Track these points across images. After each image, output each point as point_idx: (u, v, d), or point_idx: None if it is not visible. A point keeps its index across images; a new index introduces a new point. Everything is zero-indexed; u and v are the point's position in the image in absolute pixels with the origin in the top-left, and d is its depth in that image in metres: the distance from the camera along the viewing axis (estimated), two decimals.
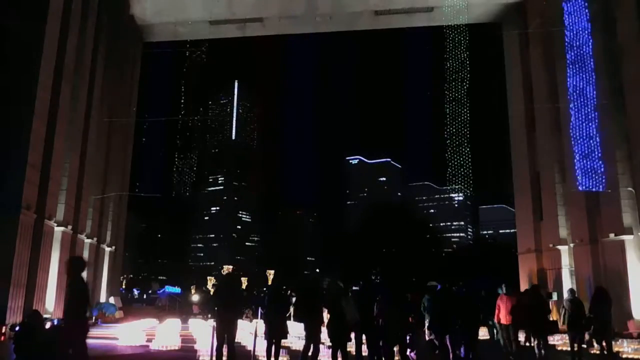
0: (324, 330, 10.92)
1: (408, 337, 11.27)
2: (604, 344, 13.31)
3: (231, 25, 34.94)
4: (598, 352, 13.93)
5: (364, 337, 11.25)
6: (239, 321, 12.07)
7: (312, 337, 10.26)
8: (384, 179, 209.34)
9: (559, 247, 28.01)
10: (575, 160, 25.07)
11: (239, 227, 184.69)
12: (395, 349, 11.15)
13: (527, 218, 31.88)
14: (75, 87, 25.43)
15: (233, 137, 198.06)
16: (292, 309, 12.02)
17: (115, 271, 36.06)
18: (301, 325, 11.04)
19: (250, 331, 16.44)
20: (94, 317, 28.14)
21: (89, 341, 8.25)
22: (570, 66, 26.54)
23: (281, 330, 11.41)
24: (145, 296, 64.64)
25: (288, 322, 11.83)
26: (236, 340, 11.48)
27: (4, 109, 19.34)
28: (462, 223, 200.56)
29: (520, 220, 33.37)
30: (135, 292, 65.69)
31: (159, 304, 49.71)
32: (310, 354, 10.27)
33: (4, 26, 20.10)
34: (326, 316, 11.19)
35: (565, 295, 14.53)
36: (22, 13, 20.32)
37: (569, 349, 13.71)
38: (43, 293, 21.75)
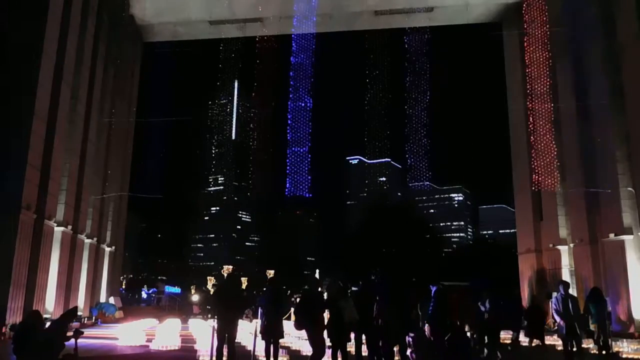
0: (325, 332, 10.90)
1: (410, 337, 11.25)
2: (601, 343, 13.36)
3: (231, 25, 34.94)
4: (597, 352, 13.96)
5: (364, 337, 11.24)
6: (239, 321, 12.06)
7: (317, 345, 10.22)
8: (384, 179, 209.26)
9: (559, 247, 28.02)
10: (575, 160, 25.09)
11: (239, 227, 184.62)
12: (395, 349, 11.14)
13: (527, 218, 31.90)
14: (75, 87, 25.42)
15: (233, 137, 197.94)
16: (292, 312, 11.97)
17: (115, 271, 36.07)
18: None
19: (250, 331, 16.46)
20: (94, 317, 28.16)
21: (90, 341, 8.25)
22: (570, 66, 26.58)
23: (278, 330, 11.41)
24: (145, 296, 64.40)
25: (287, 323, 11.81)
26: (236, 340, 11.49)
27: (4, 109, 19.33)
28: (462, 223, 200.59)
29: (520, 220, 33.38)
30: (144, 292, 65.02)
31: (160, 303, 49.77)
32: (312, 356, 10.24)
33: (4, 26, 20.10)
34: (327, 316, 11.18)
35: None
36: (22, 13, 20.32)
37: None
38: (43, 293, 21.74)
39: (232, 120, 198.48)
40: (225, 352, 10.92)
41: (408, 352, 11.08)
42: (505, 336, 17.27)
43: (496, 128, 30.93)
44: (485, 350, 13.16)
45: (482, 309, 14.06)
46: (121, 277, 44.60)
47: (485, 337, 13.48)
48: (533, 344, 15.05)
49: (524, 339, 15.75)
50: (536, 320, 14.94)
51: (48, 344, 8.81)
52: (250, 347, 12.93)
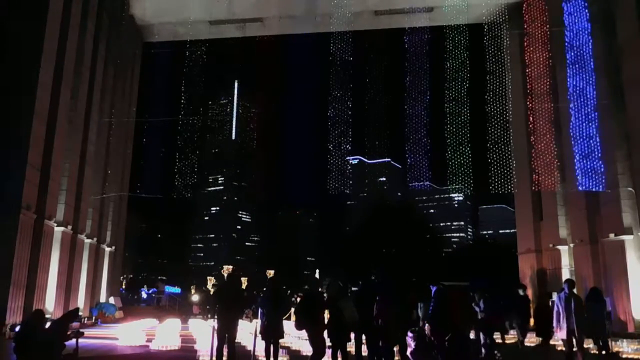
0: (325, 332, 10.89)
1: (410, 337, 11.24)
2: (600, 343, 13.37)
3: (231, 25, 34.96)
4: (596, 352, 13.96)
5: (364, 337, 11.24)
6: (239, 321, 12.06)
7: (317, 345, 10.23)
8: (384, 179, 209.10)
9: (559, 247, 28.03)
10: (575, 160, 25.11)
11: (239, 227, 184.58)
12: (395, 349, 11.15)
13: (527, 218, 31.90)
14: (75, 87, 25.44)
15: (233, 137, 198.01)
16: (292, 312, 11.96)
17: (115, 271, 36.08)
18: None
19: (250, 331, 16.46)
20: (94, 317, 28.16)
21: (90, 341, 8.25)
22: (570, 66, 26.58)
23: (277, 331, 11.41)
24: (145, 296, 64.33)
25: (287, 323, 11.80)
26: (236, 340, 11.49)
27: (4, 109, 19.35)
28: (462, 223, 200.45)
29: (520, 220, 33.39)
30: (144, 292, 64.84)
31: (160, 303, 49.77)
32: (312, 356, 10.24)
33: (4, 26, 20.11)
34: (327, 316, 11.18)
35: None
36: (22, 13, 20.33)
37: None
38: (43, 293, 21.75)
39: (232, 120, 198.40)
40: (225, 352, 10.92)
41: (408, 352, 11.08)
42: (508, 336, 17.32)
43: (496, 128, 30.84)
44: (483, 350, 13.18)
45: (477, 309, 14.07)
46: (121, 277, 44.57)
47: (482, 337, 13.50)
48: (543, 344, 15.07)
49: (530, 339, 15.76)
50: (543, 320, 14.94)
51: (48, 344, 8.81)
52: (250, 347, 12.93)
